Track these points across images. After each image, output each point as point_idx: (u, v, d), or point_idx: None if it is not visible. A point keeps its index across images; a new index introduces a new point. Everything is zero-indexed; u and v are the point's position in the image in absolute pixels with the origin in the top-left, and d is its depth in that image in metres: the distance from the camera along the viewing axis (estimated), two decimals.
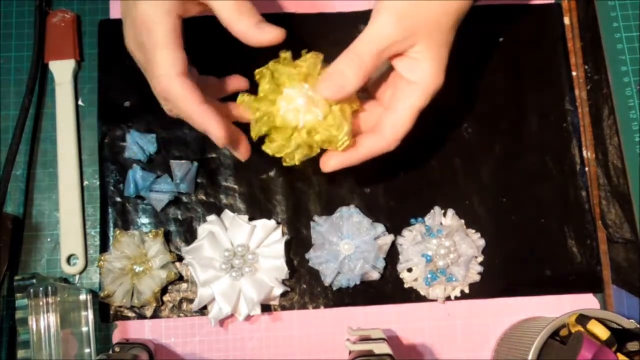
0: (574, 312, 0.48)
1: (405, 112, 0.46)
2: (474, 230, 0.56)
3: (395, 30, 0.44)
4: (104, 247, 0.55)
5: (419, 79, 0.45)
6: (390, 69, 0.49)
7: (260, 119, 0.46)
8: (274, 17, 0.59)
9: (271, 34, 0.44)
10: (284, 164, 0.48)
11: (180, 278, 0.55)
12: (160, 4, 0.42)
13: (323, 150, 0.48)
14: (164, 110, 0.48)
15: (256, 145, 0.49)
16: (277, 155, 0.47)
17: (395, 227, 0.56)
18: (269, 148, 0.47)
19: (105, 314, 0.54)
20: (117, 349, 0.49)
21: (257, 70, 0.47)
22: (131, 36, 0.44)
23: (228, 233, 0.54)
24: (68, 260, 0.55)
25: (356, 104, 0.48)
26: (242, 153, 0.49)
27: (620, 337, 0.46)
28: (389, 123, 0.46)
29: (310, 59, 0.46)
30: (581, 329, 0.46)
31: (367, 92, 0.51)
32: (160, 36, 0.42)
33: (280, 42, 0.45)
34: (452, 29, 0.46)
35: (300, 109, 0.46)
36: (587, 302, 0.56)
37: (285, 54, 0.47)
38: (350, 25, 0.59)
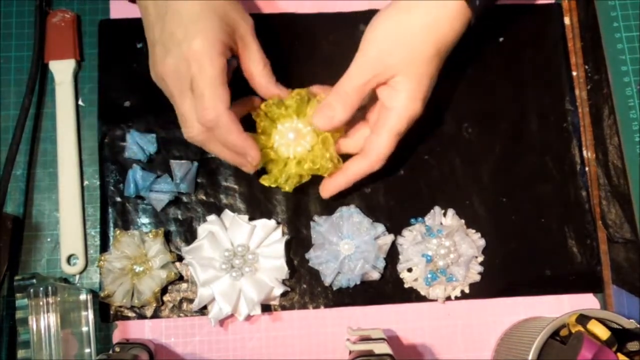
0: (574, 312, 0.47)
1: (385, 136, 0.50)
2: (474, 230, 0.56)
3: (375, 66, 0.49)
4: (104, 247, 0.55)
5: (396, 105, 0.50)
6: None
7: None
8: (274, 17, 0.60)
9: (281, 92, 0.52)
10: (282, 190, 0.52)
11: (180, 278, 0.55)
12: (215, 46, 0.46)
13: (314, 175, 0.53)
14: (185, 136, 0.50)
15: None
16: (273, 186, 0.52)
17: (396, 227, 0.56)
18: (265, 180, 0.52)
19: (106, 314, 0.54)
20: (117, 349, 0.49)
21: (254, 113, 0.52)
22: (171, 65, 0.47)
23: (228, 233, 0.54)
24: (68, 260, 0.55)
25: (340, 132, 0.53)
26: (253, 167, 0.51)
27: (620, 337, 0.46)
28: (373, 146, 0.51)
29: (296, 96, 0.51)
30: (581, 329, 0.46)
31: (363, 112, 0.54)
32: (213, 74, 0.46)
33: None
34: (434, 58, 0.50)
35: (290, 143, 0.52)
36: (587, 302, 0.56)
37: (273, 99, 0.51)
38: (350, 25, 0.59)
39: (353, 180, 0.53)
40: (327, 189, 0.54)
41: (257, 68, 0.51)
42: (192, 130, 0.49)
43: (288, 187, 0.52)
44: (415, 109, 0.50)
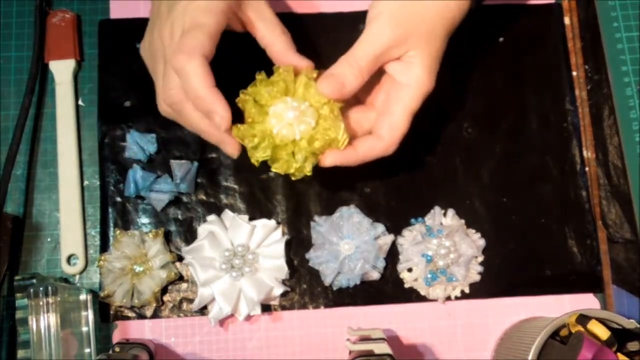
0: (574, 312, 0.48)
1: (400, 114, 0.48)
2: (474, 230, 0.56)
3: (390, 36, 0.47)
4: (104, 247, 0.55)
5: (411, 81, 0.48)
6: (381, 74, 0.50)
7: (259, 144, 0.47)
8: None
9: (303, 62, 0.48)
10: (293, 178, 0.48)
11: (180, 278, 0.55)
12: (217, 5, 0.45)
13: (314, 175, 0.48)
14: (158, 101, 0.48)
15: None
16: (288, 172, 0.47)
17: (396, 227, 0.56)
18: (277, 168, 0.47)
19: (105, 314, 0.54)
20: (117, 349, 0.49)
21: (238, 99, 0.47)
22: (168, 26, 0.45)
23: (228, 233, 0.54)
24: (68, 260, 0.55)
25: (340, 105, 0.48)
26: (235, 148, 0.48)
27: (620, 337, 0.46)
28: (386, 126, 0.48)
29: (284, 73, 0.47)
30: (581, 329, 0.46)
31: (355, 97, 0.51)
32: (204, 22, 0.44)
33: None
34: (445, 36, 0.48)
35: (292, 122, 0.46)
36: (587, 302, 0.56)
37: (261, 75, 0.48)
38: (350, 25, 0.59)
39: (362, 160, 0.49)
40: (331, 159, 0.48)
41: (273, 33, 0.48)
42: (166, 99, 0.46)
43: (307, 169, 0.47)
44: (430, 85, 0.48)
